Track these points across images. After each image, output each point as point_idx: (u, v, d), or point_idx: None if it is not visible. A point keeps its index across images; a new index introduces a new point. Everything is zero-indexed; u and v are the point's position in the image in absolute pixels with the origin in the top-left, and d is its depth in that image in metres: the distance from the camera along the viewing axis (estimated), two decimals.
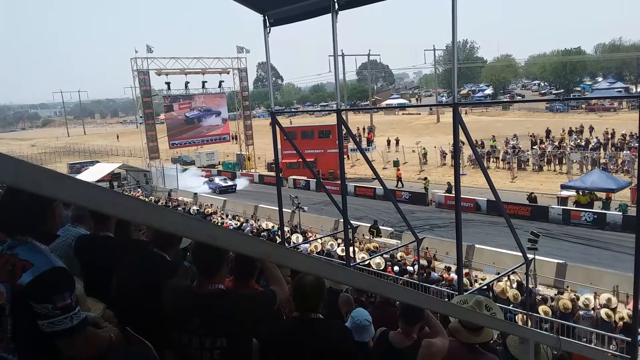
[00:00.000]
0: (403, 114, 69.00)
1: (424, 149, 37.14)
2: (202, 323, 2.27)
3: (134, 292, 2.54)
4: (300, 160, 26.77)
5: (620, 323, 10.15)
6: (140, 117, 38.07)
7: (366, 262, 12.82)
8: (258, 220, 22.95)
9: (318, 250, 15.66)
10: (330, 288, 4.67)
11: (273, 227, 19.92)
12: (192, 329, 2.28)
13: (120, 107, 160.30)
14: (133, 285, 2.57)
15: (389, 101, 78.53)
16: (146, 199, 25.95)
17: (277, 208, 11.77)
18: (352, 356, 2.66)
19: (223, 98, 42.11)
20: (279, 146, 12.03)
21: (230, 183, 35.58)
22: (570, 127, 38.33)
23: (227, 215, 24.11)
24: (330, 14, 9.30)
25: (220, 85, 40.66)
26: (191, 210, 24.86)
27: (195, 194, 31.79)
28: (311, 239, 17.12)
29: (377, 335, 3.29)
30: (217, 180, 36.00)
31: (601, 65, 73.18)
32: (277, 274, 2.69)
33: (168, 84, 37.99)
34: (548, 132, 37.72)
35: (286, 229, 17.72)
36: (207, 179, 36.62)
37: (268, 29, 10.26)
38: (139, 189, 34.58)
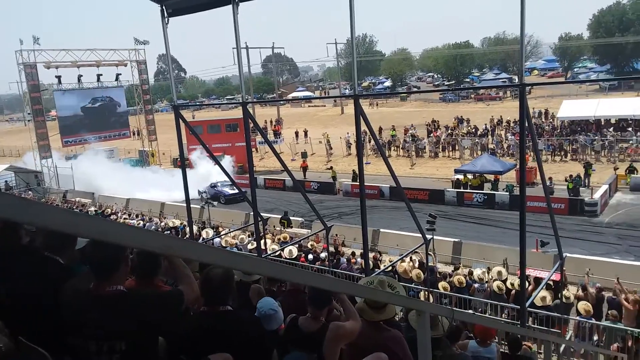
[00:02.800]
0: (309, 106, 69.90)
1: (329, 140, 38.04)
2: (99, 327, 2.16)
3: (25, 300, 2.37)
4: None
5: (513, 292, 11.23)
6: (29, 114, 34.87)
7: (277, 253, 12.90)
8: (165, 218, 22.10)
9: (229, 245, 15.47)
10: (240, 280, 4.67)
11: (181, 224, 19.31)
12: (89, 333, 2.17)
13: (6, 104, 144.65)
14: (23, 292, 2.39)
15: (295, 94, 78.97)
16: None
17: (185, 204, 11.45)
18: (261, 345, 2.70)
19: (121, 92, 39.75)
20: (185, 141, 11.68)
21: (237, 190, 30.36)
22: (461, 116, 41.23)
23: (129, 215, 22.92)
24: (230, 5, 9.17)
25: (117, 79, 38.30)
26: (89, 212, 23.28)
27: (93, 193, 29.59)
28: (222, 233, 16.85)
29: (286, 322, 3.36)
30: (220, 185, 28.13)
31: (488, 57, 79.26)
32: (185, 272, 2.58)
33: (59, 77, 35.15)
34: (434, 122, 40.03)
35: (196, 226, 17.34)
36: (208, 185, 28.53)
37: (166, 19, 9.91)
38: (29, 192, 31.56)
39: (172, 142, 34.73)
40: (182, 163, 11.56)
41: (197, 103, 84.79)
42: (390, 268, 12.16)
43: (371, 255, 14.07)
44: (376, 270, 11.28)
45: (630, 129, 29.54)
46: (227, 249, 14.46)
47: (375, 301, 3.36)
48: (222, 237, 16.00)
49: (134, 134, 42.42)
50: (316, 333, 3.06)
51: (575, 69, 71.86)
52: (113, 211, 23.72)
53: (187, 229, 15.91)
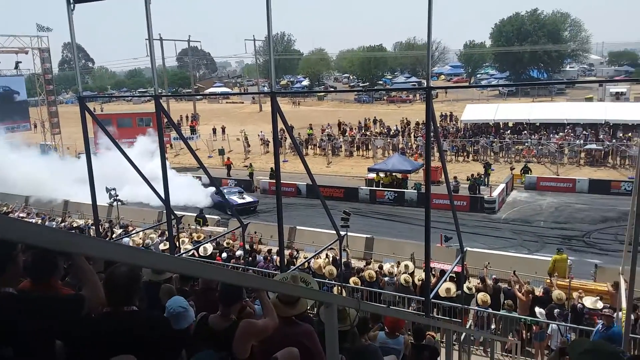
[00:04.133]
0: (227, 102, 68.69)
1: (247, 137, 37.75)
2: None
3: None
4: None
5: (419, 285, 11.86)
6: None
7: (190, 252, 12.59)
8: (70, 216, 20.66)
9: (139, 244, 14.83)
10: (150, 281, 4.53)
11: (86, 223, 18.17)
12: None
13: None
14: None
15: (212, 89, 77.15)
16: None
17: (91, 202, 10.81)
18: (168, 344, 2.65)
19: (21, 81, 36.48)
20: (91, 135, 11.01)
21: (249, 199, 24.41)
22: (375, 117, 42.68)
23: (29, 214, 21.16)
24: None
25: (17, 67, 35.15)
26: None
27: None
28: (132, 232, 16.09)
29: (197, 321, 3.32)
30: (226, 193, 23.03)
31: (399, 61, 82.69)
32: (89, 276, 2.47)
33: None
34: (340, 123, 41.01)
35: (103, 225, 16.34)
36: (211, 192, 24.35)
37: (72, 5, 9.33)
38: None
39: (78, 136, 32.48)
40: (88, 158, 10.87)
41: (106, 95, 79.99)
42: (305, 264, 12.35)
43: (287, 252, 14.20)
44: (291, 267, 11.38)
45: (525, 132, 32.27)
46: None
47: (287, 297, 3.42)
48: (132, 236, 15.29)
49: (35, 126, 39.15)
50: (226, 331, 3.06)
51: (478, 75, 77.06)
52: (10, 209, 21.76)
53: (93, 229, 15.01)
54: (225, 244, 15.31)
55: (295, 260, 13.71)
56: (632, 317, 9.28)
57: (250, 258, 13.55)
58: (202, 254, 13.14)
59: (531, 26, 63.33)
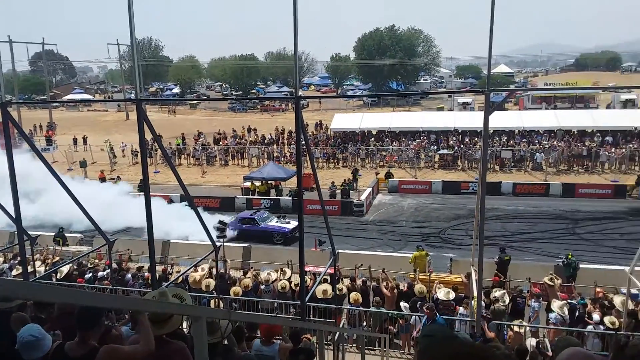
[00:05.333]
0: (89, 110, 63.73)
1: (112, 147, 35.29)
2: None
3: None
4: None
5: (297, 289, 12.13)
6: None
7: (46, 275, 11.43)
8: None
9: None
10: None
11: None
12: None
13: None
14: None
15: (71, 96, 70.73)
16: None
17: None
18: None
19: None
20: None
21: (286, 226, 20.30)
22: (249, 125, 42.74)
23: None
24: None
25: None
26: None
27: None
28: None
29: (53, 349, 3.09)
30: (266, 217, 20.69)
31: (271, 71, 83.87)
32: None
33: None
34: (219, 133, 40.92)
35: None
36: (233, 220, 20.10)
37: None
38: None
39: None
40: None
41: None
42: (180, 279, 11.94)
43: (160, 268, 13.59)
44: (163, 283, 10.92)
45: (387, 139, 34.75)
46: None
47: (157, 315, 3.32)
48: None
49: None
50: (84, 357, 2.89)
51: (344, 86, 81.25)
52: None
53: None
54: (89, 264, 14.17)
55: (169, 275, 13.18)
56: (483, 302, 10.58)
57: (119, 277, 12.72)
58: (58, 277, 12.01)
59: (389, 41, 68.58)
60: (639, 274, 10.00)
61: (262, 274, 12.77)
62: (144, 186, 9.13)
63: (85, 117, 58.41)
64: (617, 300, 10.81)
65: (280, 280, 12.47)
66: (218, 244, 11.12)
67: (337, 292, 11.36)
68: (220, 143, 36.75)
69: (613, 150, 28.94)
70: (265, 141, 36.92)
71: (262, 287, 12.10)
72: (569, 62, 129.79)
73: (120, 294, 11.51)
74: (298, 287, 11.92)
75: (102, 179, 28.99)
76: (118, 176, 28.99)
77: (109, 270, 12.74)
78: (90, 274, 13.13)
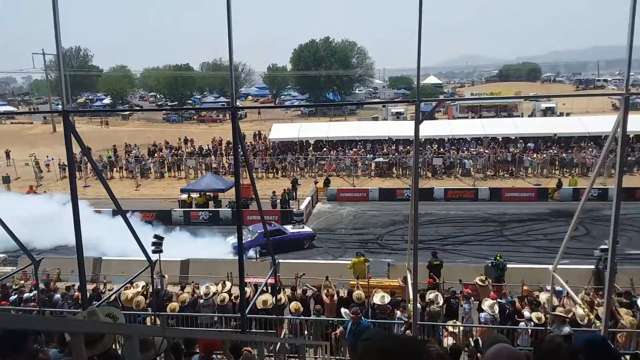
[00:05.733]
0: (12, 123, 59.99)
1: (37, 161, 33.37)
2: None
3: None
4: None
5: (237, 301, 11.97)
6: None
7: None
8: None
9: None
10: None
11: None
12: None
13: None
14: None
15: None
16: None
17: None
18: None
19: None
20: None
21: (307, 229, 20.89)
22: (185, 136, 41.84)
23: None
24: None
25: None
26: None
27: None
28: None
29: None
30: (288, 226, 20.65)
31: (207, 81, 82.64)
32: None
33: None
34: (155, 145, 39.92)
35: None
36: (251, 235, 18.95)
37: None
38: None
39: None
40: None
41: None
42: (113, 297, 11.47)
43: (92, 286, 12.98)
44: (94, 303, 10.45)
45: (325, 148, 35.22)
46: None
47: (88, 335, 3.22)
48: None
49: None
50: None
51: (282, 96, 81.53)
52: None
53: None
54: (14, 285, 13.30)
55: (102, 294, 12.62)
56: (419, 305, 10.96)
57: (47, 298, 12.02)
58: None
59: (325, 52, 69.78)
60: (562, 272, 10.83)
61: (201, 287, 12.53)
62: (72, 200, 8.74)
63: (8, 130, 54.90)
64: (543, 297, 11.58)
65: (220, 293, 12.28)
66: (154, 258, 10.80)
67: (278, 302, 11.35)
68: (155, 155, 35.70)
69: (535, 155, 30.96)
70: (203, 152, 36.29)
71: (201, 301, 11.87)
72: (493, 73, 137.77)
73: (49, 315, 10.89)
74: (238, 299, 11.82)
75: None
76: (45, 192, 27.35)
77: (36, 292, 12.02)
78: (16, 296, 12.32)
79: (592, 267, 14.57)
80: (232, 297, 12.19)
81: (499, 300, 11.42)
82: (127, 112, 61.21)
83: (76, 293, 12.03)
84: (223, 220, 23.66)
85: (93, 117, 60.88)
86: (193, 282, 14.48)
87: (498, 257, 15.07)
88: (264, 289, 11.60)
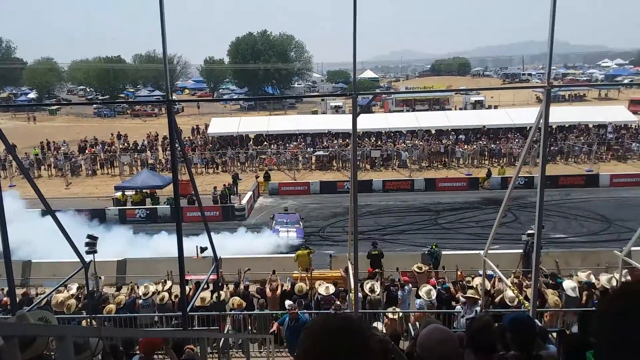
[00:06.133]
0: None
1: None
2: None
3: None
4: None
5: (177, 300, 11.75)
6: None
7: None
8: None
9: None
10: None
11: None
12: None
13: None
14: None
15: None
16: None
17: None
18: None
19: None
20: None
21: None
22: (119, 132, 40.19)
23: None
24: None
25: None
26: None
27: None
28: None
29: None
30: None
31: (141, 74, 79.52)
32: None
33: None
34: (84, 140, 38.16)
35: None
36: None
37: None
38: None
39: None
40: None
41: None
42: (44, 302, 10.89)
43: (22, 291, 12.31)
44: (25, 308, 9.90)
45: (265, 142, 35.04)
46: None
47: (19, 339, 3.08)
48: None
49: None
50: None
51: (220, 90, 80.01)
52: None
53: None
54: None
55: (33, 299, 11.96)
56: (360, 294, 11.24)
57: None
58: None
59: (263, 46, 69.15)
60: (493, 256, 11.47)
61: (141, 288, 12.17)
62: None
63: None
64: (476, 281, 12.20)
65: (160, 292, 11.99)
66: (88, 260, 10.37)
67: (219, 299, 11.23)
68: (87, 151, 34.03)
69: (466, 147, 32.41)
70: (138, 148, 35.01)
71: (140, 301, 11.54)
72: (426, 68, 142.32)
73: None
74: (177, 298, 11.60)
75: None
76: None
77: None
78: None
79: (521, 251, 15.52)
80: (173, 296, 11.95)
81: (435, 286, 11.94)
82: (54, 107, 57.78)
83: (4, 298, 11.33)
84: (161, 218, 23.05)
85: (18, 113, 57.08)
86: (131, 282, 14.04)
87: (434, 247, 15.74)
88: (205, 286, 11.43)
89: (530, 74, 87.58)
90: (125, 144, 36.69)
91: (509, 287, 10.61)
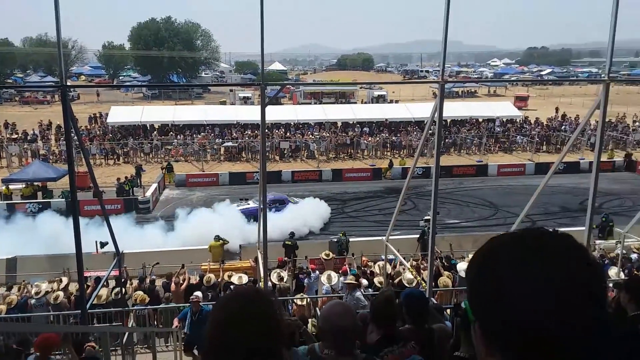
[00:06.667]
0: None
1: None
2: None
3: None
4: None
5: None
6: None
7: None
8: None
9: None
10: None
11: None
12: None
13: None
14: None
15: None
16: None
17: None
18: None
19: None
20: None
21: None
22: (6, 120, 36.65)
23: None
24: None
25: None
26: None
27: None
28: None
29: None
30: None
31: (31, 58, 72.76)
32: None
33: None
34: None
35: None
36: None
37: None
38: None
39: None
40: None
41: None
42: None
43: None
44: None
45: (171, 133, 33.84)
46: None
47: None
48: None
49: None
50: None
51: (120, 77, 75.60)
52: None
53: None
54: None
55: None
56: (270, 283, 11.42)
57: None
58: None
59: (167, 32, 66.31)
60: (394, 242, 12.22)
61: (33, 288, 11.35)
62: None
63: None
64: (377, 266, 12.90)
65: (55, 291, 11.28)
66: None
67: (120, 295, 10.83)
68: None
69: (370, 139, 33.76)
70: (28, 138, 32.16)
71: (33, 301, 10.78)
72: (333, 62, 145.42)
73: None
74: (73, 296, 11.04)
75: None
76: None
77: None
78: None
79: (417, 236, 16.64)
80: (70, 294, 11.31)
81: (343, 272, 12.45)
82: None
83: None
84: (57, 212, 21.41)
85: None
86: (23, 280, 13.02)
87: (342, 235, 16.37)
88: (106, 283, 10.94)
89: (427, 71, 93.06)
90: (14, 134, 33.51)
91: (408, 269, 11.40)
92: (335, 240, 16.29)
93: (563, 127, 37.44)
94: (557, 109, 44.15)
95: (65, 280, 12.17)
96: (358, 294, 9.70)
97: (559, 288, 0.79)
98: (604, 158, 27.53)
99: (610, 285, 7.24)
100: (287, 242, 15.55)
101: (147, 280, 12.00)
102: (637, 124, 38.89)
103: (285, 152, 32.04)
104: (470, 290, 0.91)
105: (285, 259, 14.32)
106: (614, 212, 20.37)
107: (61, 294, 11.03)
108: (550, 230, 0.89)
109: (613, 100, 11.77)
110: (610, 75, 7.98)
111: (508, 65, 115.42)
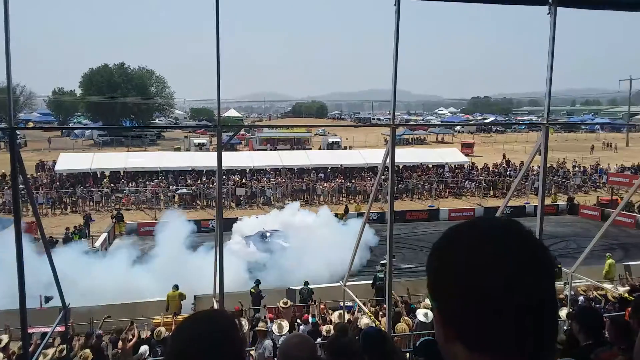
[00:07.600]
0: None
1: None
2: None
3: None
4: None
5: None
6: None
7: None
8: None
9: None
10: None
11: None
12: None
13: None
14: None
15: None
16: None
17: None
18: None
19: None
20: None
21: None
22: None
23: None
24: None
25: None
26: None
27: None
28: None
29: None
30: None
31: None
32: None
33: None
34: None
35: None
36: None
37: None
38: None
39: None
40: None
41: None
42: None
43: None
44: None
45: (123, 180, 33.03)
46: None
47: None
48: None
49: None
50: None
51: (70, 124, 73.74)
52: None
53: None
54: None
55: None
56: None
57: None
58: None
59: (120, 78, 65.82)
60: (352, 287, 12.24)
61: None
62: None
63: None
64: (335, 315, 12.68)
65: None
66: None
67: (65, 352, 10.24)
68: None
69: (325, 184, 34.19)
70: None
71: None
72: (287, 109, 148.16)
73: None
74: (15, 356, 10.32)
75: None
76: None
77: None
78: None
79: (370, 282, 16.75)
80: (11, 354, 10.55)
81: (298, 320, 12.27)
82: None
83: None
84: None
85: None
86: None
87: (305, 284, 16.22)
88: (50, 339, 10.33)
89: (379, 119, 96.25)
90: None
91: (366, 313, 11.42)
92: (300, 291, 16.09)
93: (508, 172, 39.33)
94: (504, 155, 46.48)
95: (5, 338, 11.36)
96: (267, 342, 9.33)
97: (510, 265, 0.87)
98: (547, 202, 29.02)
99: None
100: (252, 290, 15.29)
101: (94, 336, 11.40)
102: (576, 168, 41.31)
103: (241, 198, 31.85)
104: (430, 273, 0.97)
105: (242, 307, 14.02)
106: (560, 254, 21.23)
107: (0, 354, 10.30)
108: (501, 217, 1.02)
109: (553, 147, 12.59)
110: (549, 119, 8.63)
111: (454, 114, 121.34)
